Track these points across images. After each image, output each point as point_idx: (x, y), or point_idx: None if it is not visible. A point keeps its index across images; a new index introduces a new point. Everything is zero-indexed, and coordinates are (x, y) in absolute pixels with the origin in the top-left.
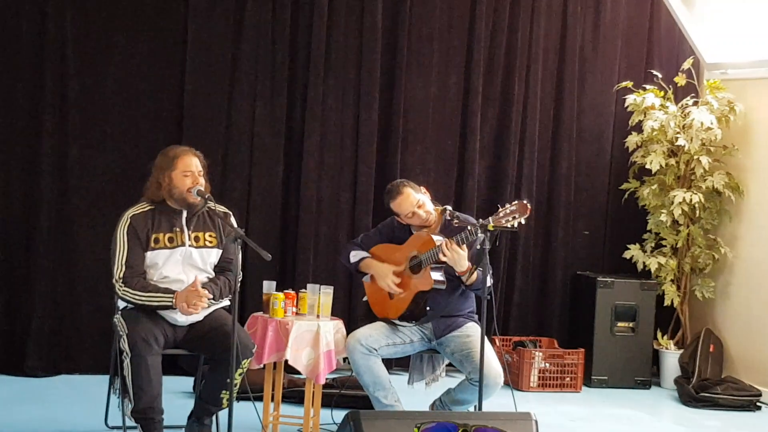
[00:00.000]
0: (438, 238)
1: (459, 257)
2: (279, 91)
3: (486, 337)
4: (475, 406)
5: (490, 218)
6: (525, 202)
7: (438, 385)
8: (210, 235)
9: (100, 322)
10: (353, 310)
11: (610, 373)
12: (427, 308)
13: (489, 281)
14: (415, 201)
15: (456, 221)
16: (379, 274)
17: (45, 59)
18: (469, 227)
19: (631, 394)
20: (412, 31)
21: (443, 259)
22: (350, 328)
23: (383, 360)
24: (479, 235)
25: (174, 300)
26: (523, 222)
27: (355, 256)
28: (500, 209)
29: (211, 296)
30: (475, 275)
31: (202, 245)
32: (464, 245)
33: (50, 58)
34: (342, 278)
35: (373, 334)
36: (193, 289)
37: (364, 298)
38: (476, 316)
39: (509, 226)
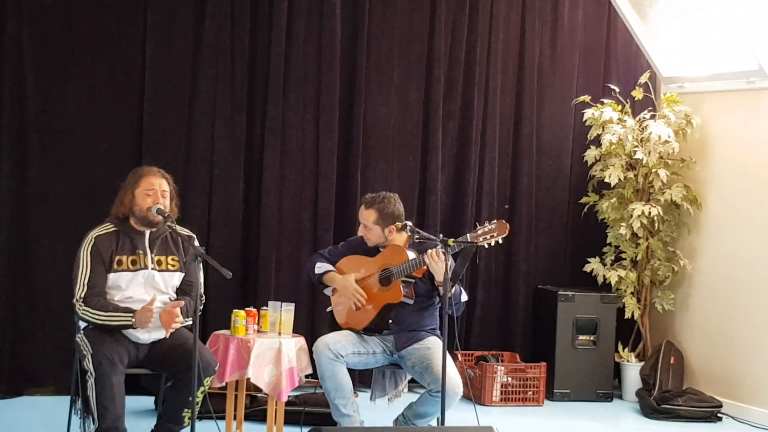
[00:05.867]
0: (411, 254)
1: (444, 266)
2: (238, 108)
3: (448, 354)
4: (437, 419)
5: (467, 235)
6: (504, 221)
7: (401, 400)
8: (173, 259)
9: (61, 342)
10: (315, 327)
11: (572, 386)
12: (390, 321)
13: (464, 296)
14: (363, 222)
15: (417, 236)
16: (343, 287)
17: (2, 80)
18: (439, 240)
19: (593, 407)
20: (371, 48)
21: (431, 266)
22: (312, 346)
23: (348, 371)
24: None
25: (134, 320)
26: (500, 241)
27: (320, 267)
28: (478, 227)
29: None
30: (453, 289)
31: (164, 269)
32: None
33: (8, 79)
34: (304, 295)
35: (341, 340)
36: (169, 309)
37: (329, 309)
38: (438, 332)
39: (486, 245)
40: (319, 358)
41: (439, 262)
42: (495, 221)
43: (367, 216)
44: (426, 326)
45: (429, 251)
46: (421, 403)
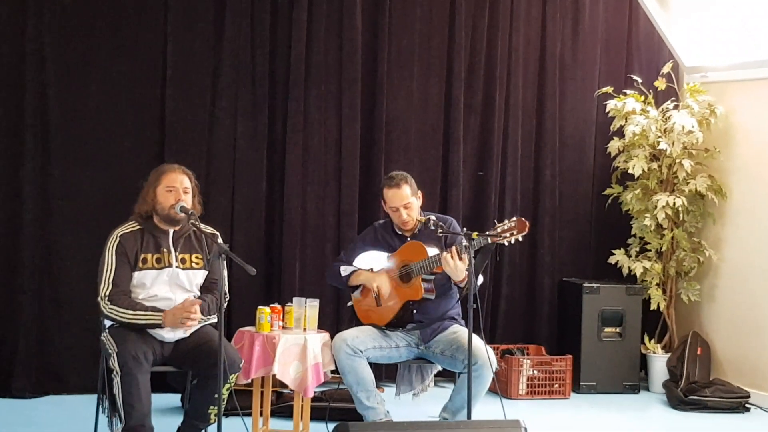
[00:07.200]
0: (432, 250)
1: (459, 269)
2: (260, 105)
3: (475, 334)
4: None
5: (487, 233)
6: (524, 219)
7: (427, 395)
8: (196, 257)
9: (87, 341)
10: (340, 323)
11: (598, 378)
12: (414, 312)
13: (480, 279)
14: (405, 201)
15: (440, 231)
16: (370, 279)
17: (24, 80)
18: (463, 240)
19: (620, 399)
20: (392, 43)
21: (445, 268)
22: None
23: (372, 365)
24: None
25: (163, 319)
26: (520, 239)
27: (345, 270)
28: (497, 224)
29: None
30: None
31: (188, 267)
32: (465, 256)
33: (30, 80)
34: (328, 291)
35: (360, 335)
36: (182, 306)
37: (349, 303)
38: (462, 321)
39: (506, 243)
40: (337, 353)
41: (452, 266)
42: (515, 219)
43: (404, 195)
44: (448, 312)
45: (444, 254)
46: (458, 390)
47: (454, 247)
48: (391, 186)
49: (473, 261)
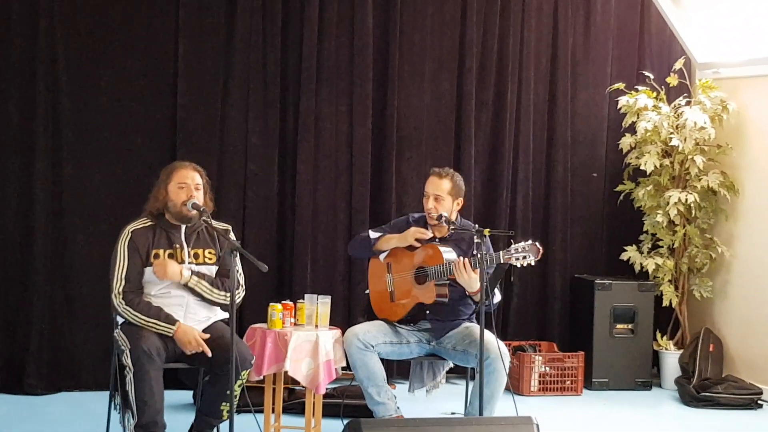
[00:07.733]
0: (448, 256)
1: (473, 279)
2: (272, 102)
3: (487, 330)
4: (477, 408)
5: (501, 252)
6: (538, 244)
7: (439, 392)
8: (209, 252)
9: (99, 338)
10: (352, 319)
11: (610, 375)
12: (427, 312)
13: (497, 297)
14: (438, 192)
15: (452, 227)
16: (402, 238)
17: (36, 77)
18: (480, 254)
19: (632, 396)
20: (403, 39)
21: (458, 278)
22: None
23: (384, 361)
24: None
25: (175, 331)
26: (533, 263)
27: (374, 232)
28: (512, 245)
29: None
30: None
31: (201, 262)
32: (477, 268)
33: (42, 77)
34: (340, 288)
35: (371, 330)
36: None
37: (367, 291)
38: (474, 320)
39: (518, 265)
40: (348, 348)
41: (465, 276)
42: (530, 242)
43: (442, 186)
44: (462, 316)
45: (453, 263)
46: (475, 394)
47: (466, 259)
48: (434, 173)
49: (487, 276)
